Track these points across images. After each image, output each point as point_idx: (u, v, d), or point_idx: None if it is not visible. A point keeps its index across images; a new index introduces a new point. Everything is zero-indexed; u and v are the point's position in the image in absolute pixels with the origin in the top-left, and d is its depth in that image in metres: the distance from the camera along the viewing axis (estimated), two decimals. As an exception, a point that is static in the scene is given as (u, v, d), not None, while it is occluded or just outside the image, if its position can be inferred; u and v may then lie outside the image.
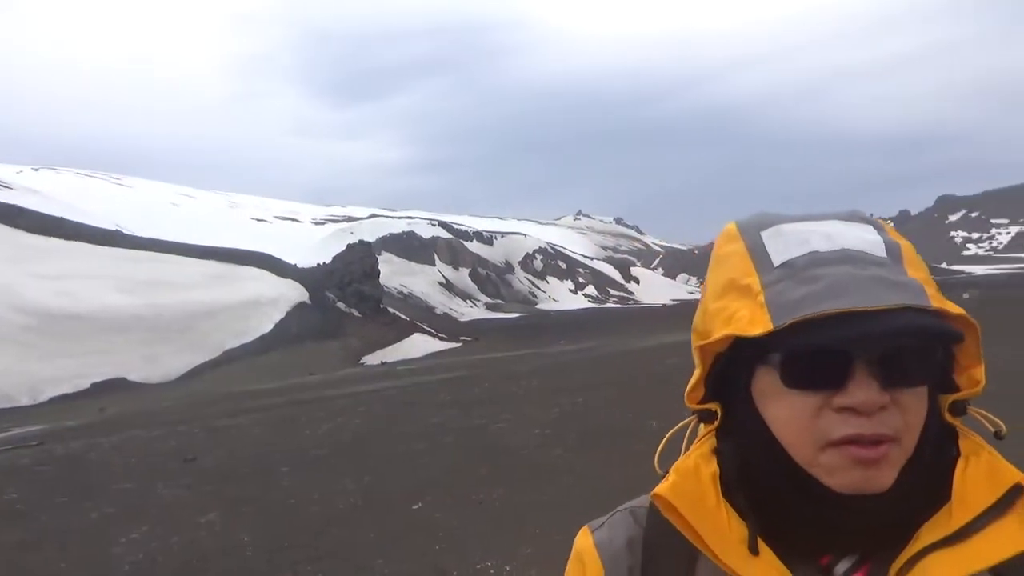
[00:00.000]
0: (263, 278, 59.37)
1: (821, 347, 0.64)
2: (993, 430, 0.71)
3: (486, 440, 10.11)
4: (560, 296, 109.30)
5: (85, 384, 39.41)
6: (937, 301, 0.66)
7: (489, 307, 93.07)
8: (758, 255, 0.71)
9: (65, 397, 37.28)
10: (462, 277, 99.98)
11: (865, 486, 0.65)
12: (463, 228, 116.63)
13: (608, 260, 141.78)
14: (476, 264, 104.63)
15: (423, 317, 68.90)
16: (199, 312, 49.82)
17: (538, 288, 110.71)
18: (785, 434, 0.68)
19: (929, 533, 0.67)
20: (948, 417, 0.71)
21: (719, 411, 0.74)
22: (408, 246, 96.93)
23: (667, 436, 0.77)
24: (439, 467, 8.60)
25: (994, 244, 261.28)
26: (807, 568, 0.69)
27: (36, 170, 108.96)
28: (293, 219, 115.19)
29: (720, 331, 0.69)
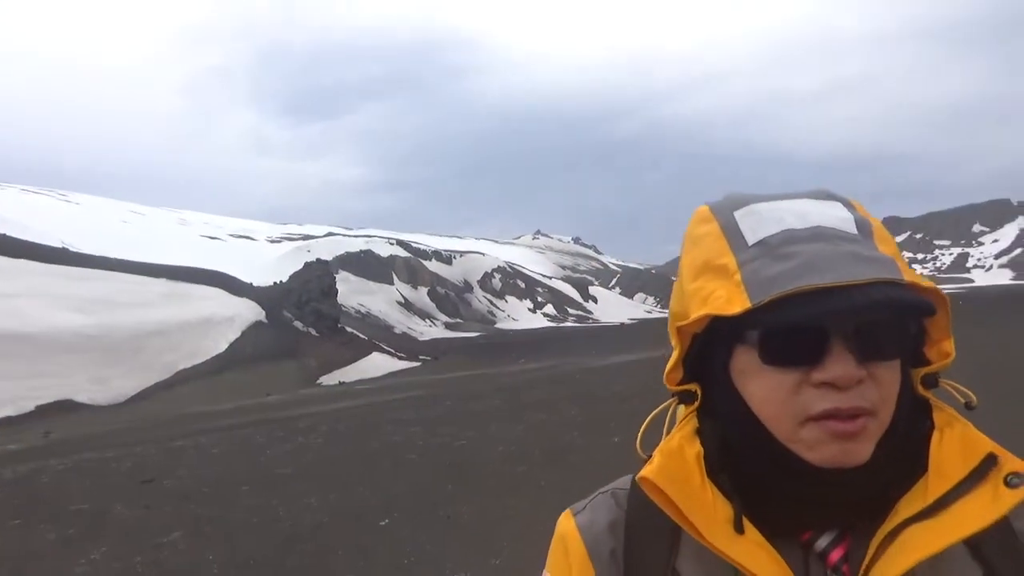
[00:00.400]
0: (217, 297, 58.31)
1: (799, 323, 0.65)
2: (964, 401, 0.73)
3: (451, 457, 10.15)
4: (519, 315, 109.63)
5: (29, 406, 38.06)
6: (909, 275, 0.68)
7: (448, 326, 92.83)
8: (732, 235, 0.72)
9: (8, 420, 35.96)
10: (421, 296, 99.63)
11: (844, 459, 0.66)
12: (421, 247, 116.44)
13: (567, 279, 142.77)
14: (435, 283, 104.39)
15: (381, 336, 68.36)
16: (150, 332, 48.66)
17: (497, 307, 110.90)
18: (765, 411, 0.69)
19: (907, 506, 0.68)
20: (921, 390, 0.73)
21: (699, 392, 0.75)
22: (366, 265, 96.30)
23: (648, 418, 0.78)
24: (405, 484, 8.62)
25: (938, 265, 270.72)
26: (790, 545, 0.70)
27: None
28: (247, 237, 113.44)
29: (697, 311, 0.70)
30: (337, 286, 63.64)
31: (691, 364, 0.75)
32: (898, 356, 0.69)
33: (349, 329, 62.76)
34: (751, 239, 0.70)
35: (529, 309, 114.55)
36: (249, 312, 56.74)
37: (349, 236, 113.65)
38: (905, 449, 0.71)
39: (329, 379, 47.49)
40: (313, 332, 56.66)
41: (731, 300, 0.68)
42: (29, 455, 17.90)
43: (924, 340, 0.73)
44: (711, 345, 0.73)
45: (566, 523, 0.81)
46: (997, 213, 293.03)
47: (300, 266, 64.68)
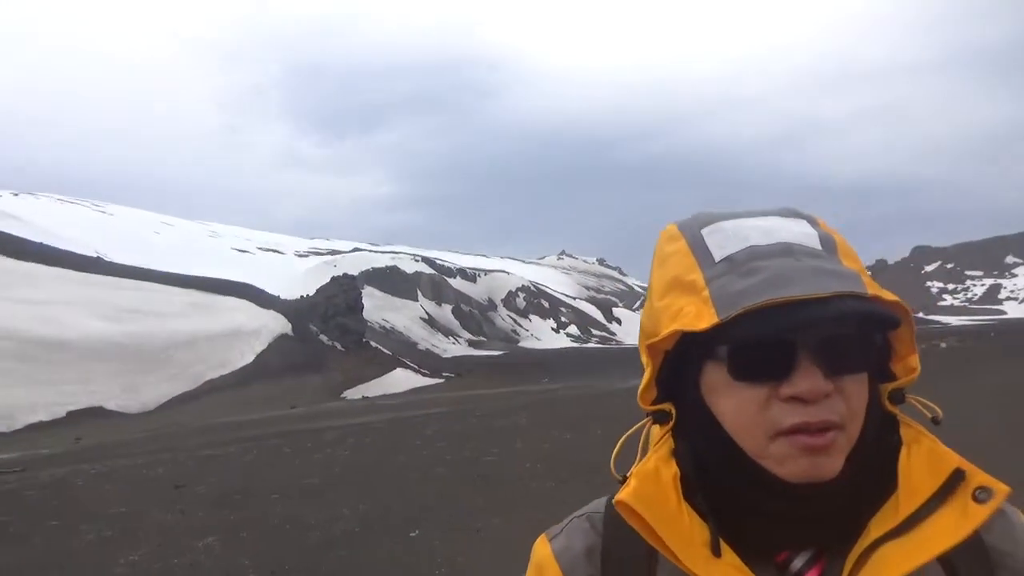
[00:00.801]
0: (245, 309, 59.11)
1: (766, 337, 0.66)
2: (930, 416, 0.75)
3: (478, 472, 10.23)
4: (542, 335, 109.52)
5: (61, 412, 38.80)
6: (872, 288, 0.68)
7: (471, 344, 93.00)
8: (700, 252, 0.73)
9: (40, 425, 36.65)
10: (444, 313, 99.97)
11: (815, 473, 0.67)
12: (446, 264, 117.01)
13: (590, 300, 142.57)
14: (459, 300, 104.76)
15: (405, 352, 68.69)
16: (179, 342, 49.43)
17: (520, 326, 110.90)
18: (735, 427, 0.69)
19: (878, 525, 0.69)
20: (888, 405, 0.74)
21: (673, 411, 0.75)
22: (391, 281, 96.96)
23: (621, 439, 0.79)
24: (433, 496, 8.71)
25: (969, 295, 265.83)
26: (766, 567, 0.71)
27: (15, 195, 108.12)
28: (276, 251, 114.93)
29: (667, 328, 0.71)
30: (362, 301, 64.18)
31: (665, 383, 0.75)
32: (864, 369, 0.69)
33: (374, 344, 63.20)
34: (718, 255, 0.71)
35: (552, 329, 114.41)
36: (276, 325, 57.42)
37: (375, 252, 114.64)
38: (874, 465, 0.71)
39: (353, 393, 47.80)
40: (338, 346, 57.14)
41: (700, 316, 0.68)
42: (62, 459, 18.30)
43: (890, 355, 0.74)
44: (682, 362, 0.73)
45: (542, 549, 0.80)
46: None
47: (326, 280, 65.39)
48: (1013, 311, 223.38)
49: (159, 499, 10.04)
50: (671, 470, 0.72)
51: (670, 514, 0.70)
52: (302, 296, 63.01)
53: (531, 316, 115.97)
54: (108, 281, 54.80)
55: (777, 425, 0.67)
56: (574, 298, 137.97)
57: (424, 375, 56.61)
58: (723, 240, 0.72)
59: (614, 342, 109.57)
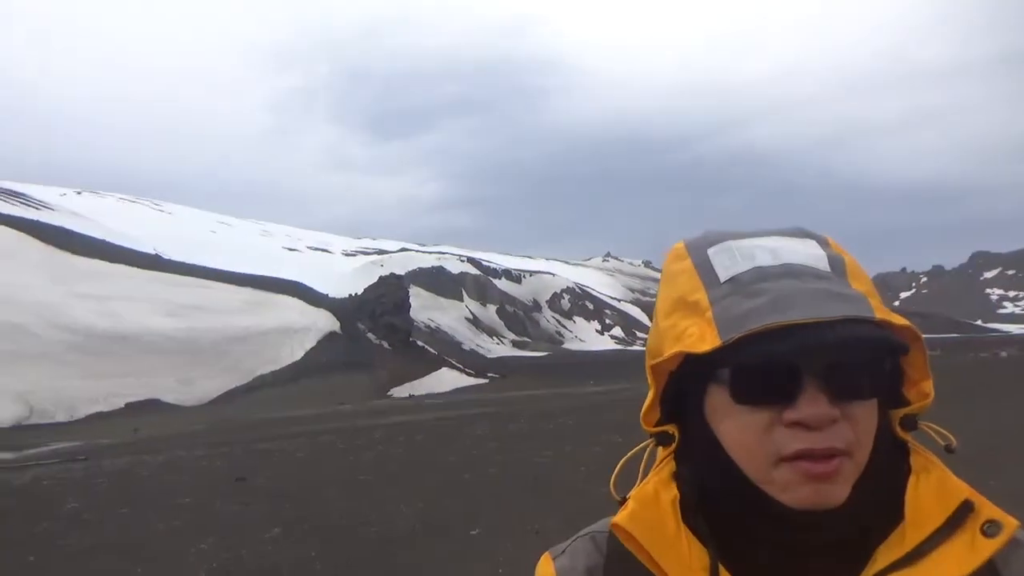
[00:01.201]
0: (295, 307, 60.34)
1: (768, 360, 0.65)
2: (944, 444, 0.73)
3: (531, 474, 10.28)
4: (586, 336, 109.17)
5: (120, 403, 40.19)
6: (881, 312, 0.66)
7: (515, 344, 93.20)
8: (705, 272, 0.72)
9: (100, 415, 38.02)
10: (489, 314, 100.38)
11: (819, 501, 0.65)
12: (492, 265, 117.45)
13: (635, 303, 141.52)
14: (504, 301, 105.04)
15: (450, 352, 69.21)
16: (234, 337, 50.71)
17: (565, 328, 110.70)
18: (737, 451, 0.68)
19: (884, 555, 0.67)
20: (899, 432, 0.72)
21: (676, 433, 0.74)
22: (437, 281, 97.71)
23: (622, 461, 0.77)
24: (489, 497, 8.79)
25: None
26: None
27: (79, 193, 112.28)
28: (324, 250, 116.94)
29: (670, 349, 0.70)
30: (410, 301, 64.87)
31: (668, 404, 0.74)
32: (873, 396, 0.67)
33: (420, 343, 63.84)
34: (723, 276, 0.70)
35: (597, 331, 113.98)
36: (325, 322, 58.47)
37: (422, 252, 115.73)
38: (882, 493, 0.69)
39: (399, 391, 48.37)
40: (385, 345, 57.86)
41: (703, 337, 0.67)
42: (124, 449, 18.96)
43: (902, 380, 0.72)
44: (686, 384, 0.72)
45: (545, 567, 0.80)
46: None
47: (373, 279, 66.32)
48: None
49: (221, 491, 10.34)
50: (671, 493, 0.71)
51: (668, 538, 0.69)
52: (350, 295, 63.99)
53: (575, 318, 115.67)
54: (166, 278, 56.50)
55: (780, 451, 0.65)
56: (619, 300, 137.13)
57: (469, 375, 56.94)
58: (729, 260, 0.71)
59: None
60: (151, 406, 40.74)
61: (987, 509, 0.67)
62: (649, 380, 0.74)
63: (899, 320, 0.67)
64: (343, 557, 6.45)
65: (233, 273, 63.61)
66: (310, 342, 54.89)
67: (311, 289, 65.09)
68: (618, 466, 0.78)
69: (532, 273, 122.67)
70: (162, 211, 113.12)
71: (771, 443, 0.66)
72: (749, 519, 0.69)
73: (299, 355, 52.84)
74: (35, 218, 61.66)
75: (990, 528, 0.66)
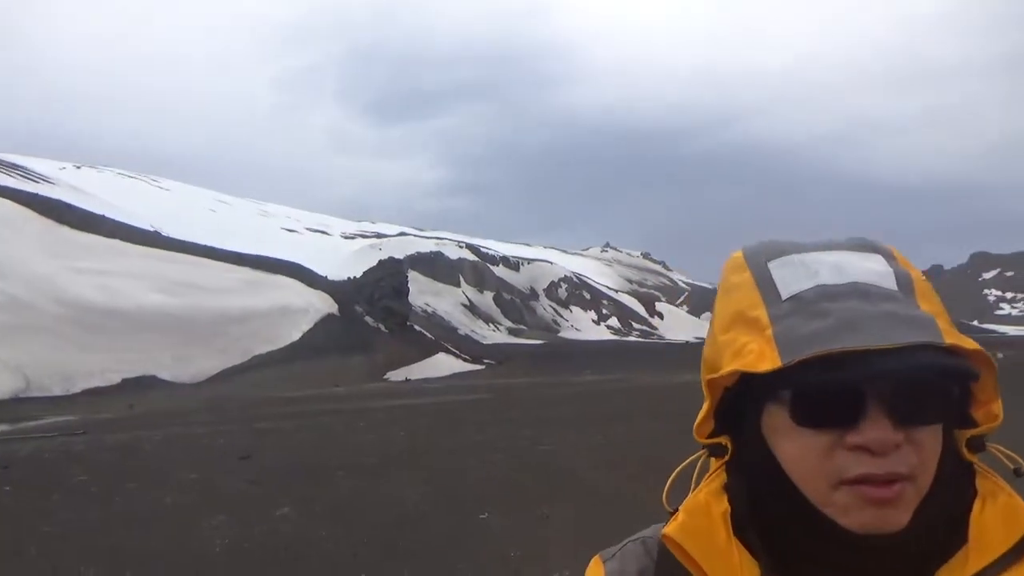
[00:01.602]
0: (293, 287, 60.27)
1: (833, 385, 0.63)
2: (1013, 467, 0.71)
3: (535, 460, 10.36)
4: (583, 326, 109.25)
5: (116, 379, 40.17)
6: (950, 336, 0.65)
7: (511, 332, 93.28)
8: (765, 287, 0.70)
9: (96, 390, 38.01)
10: (486, 300, 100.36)
11: (880, 526, 0.64)
12: (490, 252, 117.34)
13: (633, 293, 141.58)
14: (501, 288, 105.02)
15: (446, 337, 69.23)
16: (231, 317, 50.68)
17: (561, 316, 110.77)
18: (797, 472, 0.67)
19: None
20: (966, 454, 0.70)
21: (729, 446, 0.73)
22: (435, 266, 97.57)
23: (675, 472, 0.77)
24: (495, 482, 8.86)
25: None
26: None
27: (78, 167, 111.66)
28: (323, 232, 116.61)
29: (729, 366, 0.69)
30: (408, 285, 64.86)
31: (723, 416, 0.73)
32: (940, 421, 0.66)
33: (417, 328, 63.89)
34: (784, 293, 0.68)
35: (593, 321, 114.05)
36: (322, 304, 58.44)
37: (420, 237, 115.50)
38: (946, 517, 0.68)
39: (396, 375, 48.45)
40: (382, 328, 57.91)
41: (763, 356, 0.66)
42: (122, 424, 19.00)
43: (970, 401, 0.70)
44: (743, 399, 0.71)
45: (595, 570, 0.80)
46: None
47: (372, 263, 66.20)
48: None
49: (227, 468, 10.40)
50: (722, 506, 0.70)
51: (718, 550, 0.69)
52: (349, 278, 63.95)
53: (572, 307, 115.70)
54: (164, 255, 56.35)
55: (841, 474, 0.64)
56: (616, 291, 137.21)
57: (465, 361, 57.04)
58: (791, 276, 0.69)
59: (656, 336, 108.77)
60: (146, 382, 40.76)
61: None
62: (705, 392, 0.73)
63: (970, 344, 0.65)
64: (355, 536, 6.52)
65: (231, 252, 63.44)
66: (307, 324, 54.88)
67: (310, 271, 65.00)
68: (670, 479, 0.77)
69: (530, 261, 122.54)
70: (161, 187, 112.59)
71: (832, 466, 0.65)
72: (806, 538, 0.68)
73: (296, 336, 52.83)
74: (34, 191, 61.35)
75: None
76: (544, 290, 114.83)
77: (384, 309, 58.60)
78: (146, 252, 55.67)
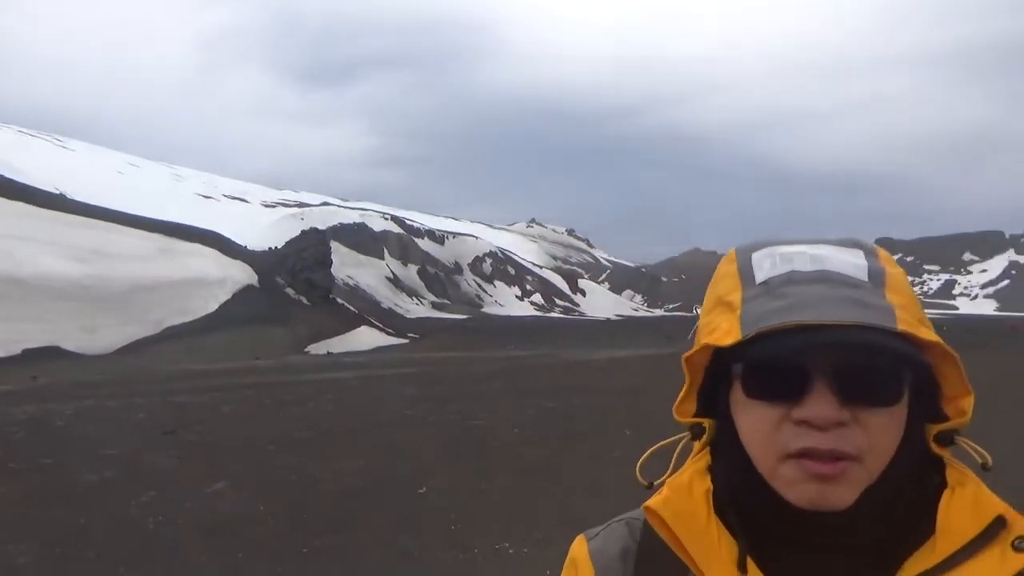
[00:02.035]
0: (210, 256, 58.17)
1: (775, 357, 0.67)
2: (980, 461, 0.74)
3: (468, 435, 10.49)
4: (506, 301, 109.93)
5: (16, 350, 38.00)
6: (907, 325, 0.67)
7: (435, 306, 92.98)
8: (745, 274, 0.74)
9: (-6, 361, 35.90)
10: (410, 274, 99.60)
11: (821, 502, 0.66)
12: (415, 225, 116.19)
13: (557, 270, 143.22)
14: (425, 262, 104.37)
15: (368, 310, 68.44)
16: (142, 286, 48.57)
17: (485, 291, 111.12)
18: (751, 445, 0.70)
19: (913, 565, 0.68)
20: (934, 447, 0.72)
21: (709, 427, 0.77)
22: (358, 238, 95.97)
23: (652, 448, 0.80)
24: (430, 457, 8.94)
25: (924, 290, 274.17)
26: None
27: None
28: (241, 199, 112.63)
29: (700, 343, 0.74)
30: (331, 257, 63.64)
31: (706, 398, 0.77)
32: (888, 404, 0.67)
33: (339, 301, 62.88)
34: (759, 278, 0.72)
35: (517, 296, 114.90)
36: (241, 275, 56.70)
37: (344, 208, 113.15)
38: (904, 504, 0.71)
39: (317, 348, 47.66)
40: (304, 300, 56.74)
41: (728, 333, 0.70)
42: (26, 396, 18.05)
43: (939, 396, 0.72)
44: (718, 379, 0.75)
45: (579, 548, 0.83)
46: (989, 244, 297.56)
47: (294, 233, 64.64)
48: (965, 307, 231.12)
49: (150, 444, 10.09)
50: (704, 485, 0.74)
51: (699, 528, 0.71)
52: (270, 248, 62.21)
53: (496, 282, 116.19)
54: (71, 219, 53.32)
55: (787, 447, 0.67)
56: (540, 267, 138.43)
57: (389, 334, 56.63)
58: (769, 265, 0.73)
59: (577, 313, 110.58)
60: (50, 353, 38.72)
61: (1020, 524, 0.68)
62: (685, 371, 0.76)
63: (928, 336, 0.67)
64: (294, 511, 6.50)
65: (142, 218, 60.62)
66: (225, 295, 53.19)
67: (228, 240, 62.85)
68: (646, 454, 0.80)
69: (455, 235, 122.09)
70: (65, 147, 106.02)
71: (779, 439, 0.67)
72: (763, 513, 0.70)
73: (212, 307, 51.16)
74: (-79, 146, 56.84)
75: (1021, 543, 0.67)
76: (469, 265, 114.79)
77: (306, 281, 57.39)
78: (50, 216, 52.51)
